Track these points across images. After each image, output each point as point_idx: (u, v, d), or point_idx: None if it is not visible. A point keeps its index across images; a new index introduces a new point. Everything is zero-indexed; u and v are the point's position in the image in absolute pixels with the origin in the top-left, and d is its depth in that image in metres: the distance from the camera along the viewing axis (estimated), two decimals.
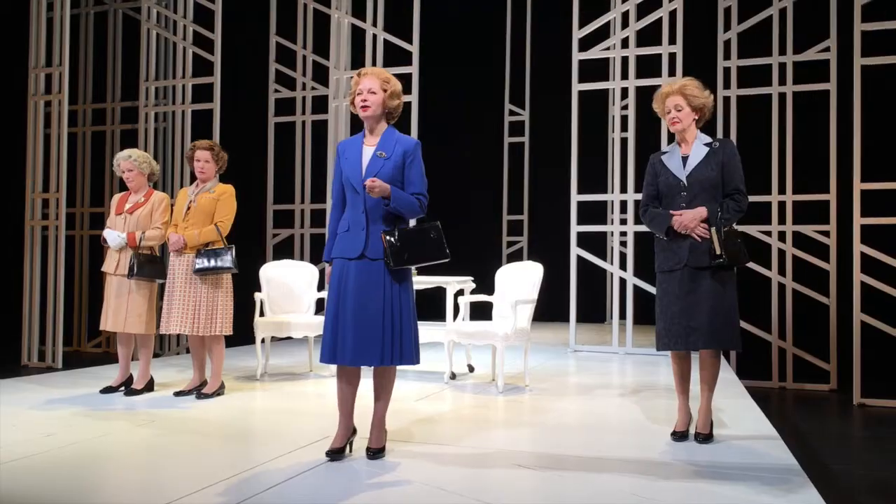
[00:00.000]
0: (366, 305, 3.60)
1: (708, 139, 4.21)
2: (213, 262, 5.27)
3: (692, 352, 4.21)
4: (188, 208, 5.40)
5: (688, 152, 4.19)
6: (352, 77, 3.80)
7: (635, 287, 8.12)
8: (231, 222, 5.47)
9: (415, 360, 3.70)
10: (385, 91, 3.73)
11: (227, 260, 5.30)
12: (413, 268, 3.56)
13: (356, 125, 8.24)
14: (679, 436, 4.18)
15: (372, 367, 3.75)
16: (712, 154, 4.13)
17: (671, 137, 4.40)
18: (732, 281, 4.13)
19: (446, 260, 3.72)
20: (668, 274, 4.15)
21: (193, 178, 5.60)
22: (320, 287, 6.60)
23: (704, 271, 4.04)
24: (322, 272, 6.16)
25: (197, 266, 5.26)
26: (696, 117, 4.19)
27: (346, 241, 3.69)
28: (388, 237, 3.63)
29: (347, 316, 3.60)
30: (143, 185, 5.68)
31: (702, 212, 4.05)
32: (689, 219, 4.04)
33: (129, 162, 5.62)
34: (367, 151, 3.73)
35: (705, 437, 4.13)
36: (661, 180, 4.22)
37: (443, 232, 3.73)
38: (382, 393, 3.81)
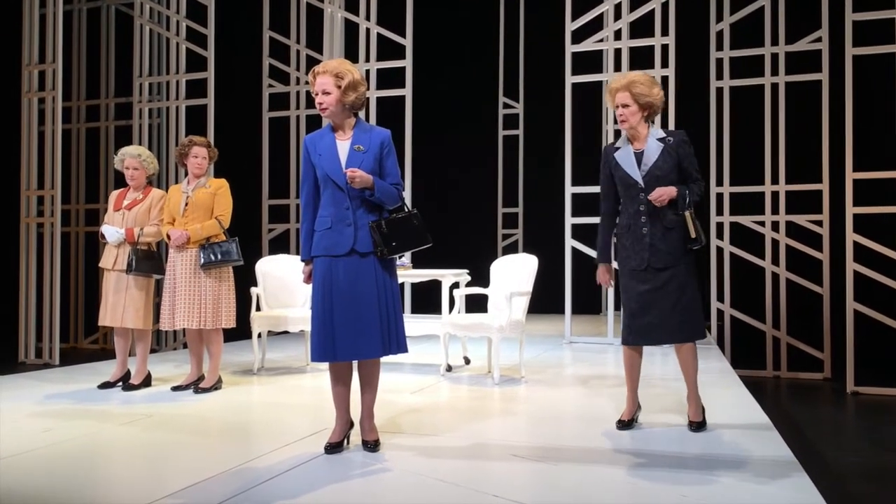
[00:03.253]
0: (361, 299, 3.62)
1: (661, 133, 4.13)
2: (219, 256, 5.31)
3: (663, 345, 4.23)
4: (186, 204, 5.42)
5: (641, 148, 4.11)
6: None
7: None
8: (230, 215, 5.50)
9: (406, 347, 3.77)
10: (339, 87, 3.65)
11: (233, 252, 5.35)
12: (409, 261, 3.61)
13: None
14: (624, 424, 4.21)
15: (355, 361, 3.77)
16: (667, 151, 4.07)
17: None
18: (693, 274, 4.12)
19: (430, 245, 3.78)
20: (630, 272, 4.14)
21: (185, 174, 5.61)
22: None
23: (664, 271, 4.04)
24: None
25: (203, 260, 5.28)
26: (645, 114, 4.11)
27: (329, 238, 3.65)
28: (377, 228, 3.65)
29: (342, 312, 3.60)
30: (144, 183, 5.70)
31: (672, 191, 3.99)
32: (664, 195, 3.96)
33: (137, 160, 5.63)
34: (343, 146, 3.71)
35: (698, 425, 4.14)
36: (617, 178, 4.17)
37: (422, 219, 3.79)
38: (371, 384, 3.83)
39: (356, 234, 3.64)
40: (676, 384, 4.34)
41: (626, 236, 4.15)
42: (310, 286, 3.83)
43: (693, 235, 4.01)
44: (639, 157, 4.11)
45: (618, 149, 4.21)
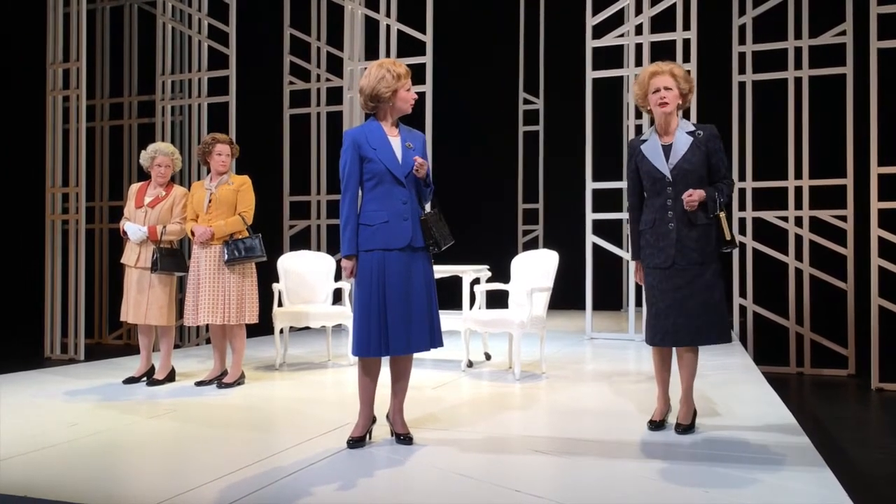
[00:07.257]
0: (413, 293, 3.68)
1: (691, 127, 3.99)
2: (243, 252, 5.34)
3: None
4: (210, 201, 5.46)
5: (670, 141, 3.98)
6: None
7: None
8: (253, 211, 5.54)
9: (442, 341, 3.83)
10: None
11: (257, 248, 5.39)
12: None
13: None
14: (656, 425, 4.11)
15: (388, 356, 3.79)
16: (697, 144, 3.93)
17: (652, 122, 4.22)
18: (721, 275, 4.01)
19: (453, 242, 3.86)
20: (654, 270, 4.02)
21: (207, 172, 5.66)
22: (337, 277, 6.65)
23: (691, 269, 3.92)
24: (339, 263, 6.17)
25: (227, 256, 5.32)
26: (680, 102, 4.00)
27: (387, 232, 3.67)
28: (430, 223, 3.73)
29: (396, 306, 3.64)
30: (168, 180, 5.76)
31: (702, 194, 3.86)
32: (695, 198, 3.84)
33: (170, 158, 5.69)
34: (395, 142, 3.75)
35: (685, 429, 4.02)
36: (644, 172, 4.04)
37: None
38: (405, 379, 3.88)
39: (413, 228, 3.70)
40: (698, 381, 4.29)
41: (649, 232, 4.02)
42: (333, 282, 3.86)
43: (728, 238, 3.89)
44: (667, 150, 3.98)
45: (644, 141, 4.07)
